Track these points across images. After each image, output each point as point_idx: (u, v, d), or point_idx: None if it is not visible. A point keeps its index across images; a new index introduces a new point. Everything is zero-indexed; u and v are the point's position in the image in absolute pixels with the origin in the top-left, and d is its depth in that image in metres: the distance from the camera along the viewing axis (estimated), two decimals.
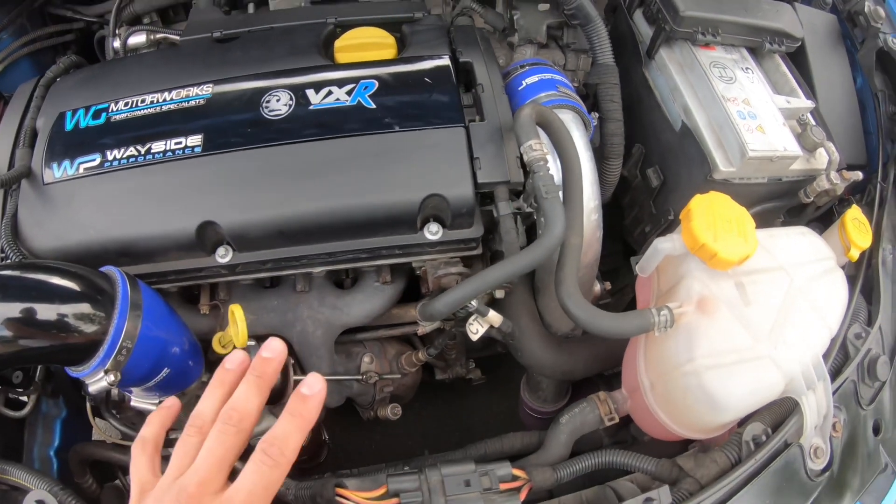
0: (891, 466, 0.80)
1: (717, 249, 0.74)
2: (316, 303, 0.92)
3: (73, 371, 0.73)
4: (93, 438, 0.97)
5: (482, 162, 0.80)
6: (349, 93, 0.83)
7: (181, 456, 0.53)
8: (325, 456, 1.20)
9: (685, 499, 0.71)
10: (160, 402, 0.88)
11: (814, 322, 0.80)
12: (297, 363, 0.93)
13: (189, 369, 0.85)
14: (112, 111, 0.88)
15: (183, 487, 0.50)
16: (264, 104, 0.83)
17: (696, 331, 0.75)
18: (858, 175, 0.88)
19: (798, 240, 0.85)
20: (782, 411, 0.78)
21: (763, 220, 0.99)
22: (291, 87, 0.84)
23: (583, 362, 0.93)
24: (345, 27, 0.92)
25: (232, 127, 0.83)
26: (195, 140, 0.82)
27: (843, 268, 0.93)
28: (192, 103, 0.85)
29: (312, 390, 0.56)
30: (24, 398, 0.96)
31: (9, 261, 0.83)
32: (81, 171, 0.85)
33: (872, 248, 0.85)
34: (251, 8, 1.05)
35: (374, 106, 0.82)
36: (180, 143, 0.83)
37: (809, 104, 0.93)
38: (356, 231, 0.82)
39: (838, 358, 0.81)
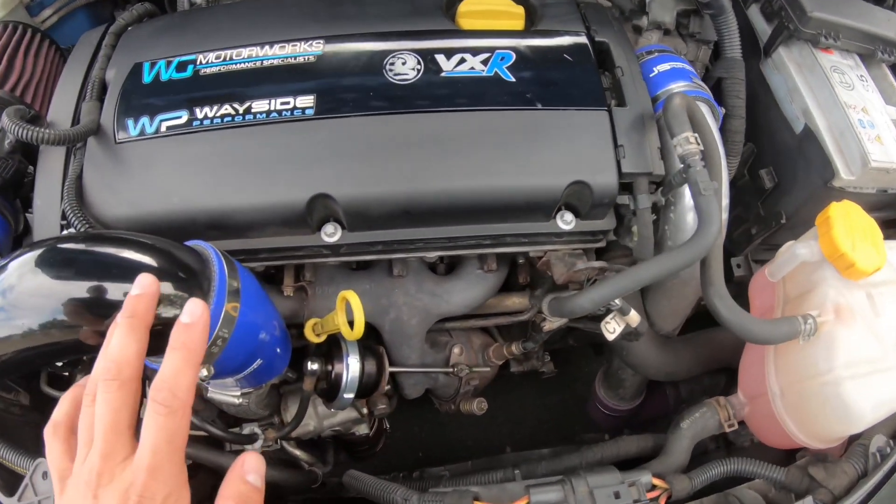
0: None
1: (856, 259, 0.72)
2: (413, 288, 0.85)
3: (153, 361, 0.64)
4: None
5: (626, 150, 0.74)
6: (485, 62, 0.75)
7: (83, 431, 0.48)
8: (382, 444, 1.13)
9: None
10: (242, 395, 0.80)
11: None
12: (386, 351, 0.85)
13: (277, 358, 0.76)
14: (201, 63, 0.77)
15: (91, 467, 0.45)
16: (388, 67, 0.74)
17: (836, 340, 0.73)
18: None
19: None
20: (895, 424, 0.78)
21: None
22: (418, 51, 0.75)
23: (686, 363, 0.91)
24: None
25: (350, 90, 0.74)
26: (306, 101, 0.73)
27: None
28: (301, 60, 0.75)
29: (194, 317, 0.50)
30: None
31: (72, 229, 0.71)
32: (164, 129, 0.74)
33: None
34: None
35: (513, 79, 0.75)
36: (287, 103, 0.73)
37: None
38: (487, 215, 0.75)
39: None
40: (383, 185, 0.71)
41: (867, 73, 0.95)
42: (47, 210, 0.75)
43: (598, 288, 0.70)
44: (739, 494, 0.76)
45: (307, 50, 0.76)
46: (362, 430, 0.98)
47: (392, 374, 0.89)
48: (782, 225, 0.93)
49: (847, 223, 0.75)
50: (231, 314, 0.62)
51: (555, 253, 0.80)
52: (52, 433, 0.50)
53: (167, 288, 0.56)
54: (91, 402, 0.48)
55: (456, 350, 0.92)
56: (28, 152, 0.78)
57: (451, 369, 0.91)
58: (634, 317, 0.73)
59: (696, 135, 0.72)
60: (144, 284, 0.52)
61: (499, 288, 0.88)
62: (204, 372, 0.62)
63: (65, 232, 0.74)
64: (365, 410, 0.95)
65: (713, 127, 0.81)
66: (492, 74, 0.75)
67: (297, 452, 0.96)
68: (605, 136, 0.74)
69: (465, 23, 0.80)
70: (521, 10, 0.82)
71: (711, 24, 0.90)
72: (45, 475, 0.65)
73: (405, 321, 0.85)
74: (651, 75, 0.84)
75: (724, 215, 0.82)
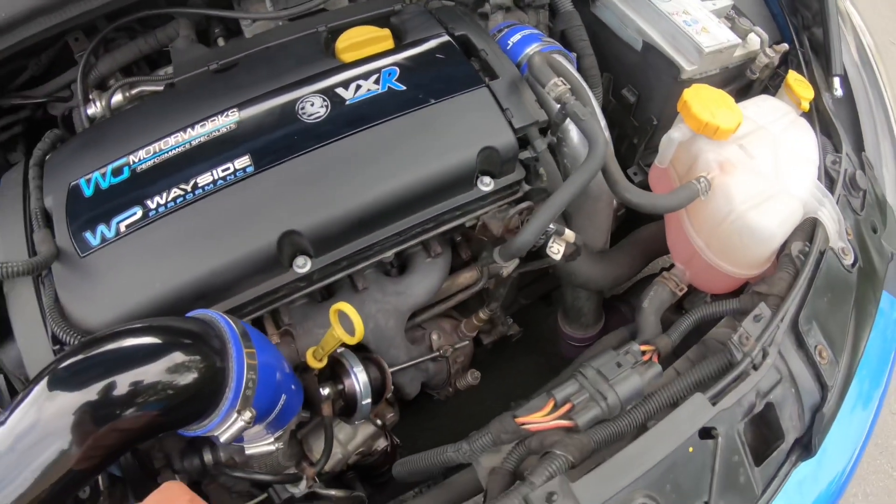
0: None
1: (719, 123, 0.91)
2: (379, 295, 0.95)
3: (194, 430, 0.68)
4: None
5: (512, 111, 0.90)
6: (377, 82, 0.89)
7: None
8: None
9: (775, 311, 0.82)
10: (275, 439, 0.84)
11: (799, 159, 1.00)
12: None
13: (294, 394, 0.83)
14: (134, 163, 0.84)
15: None
16: (300, 112, 0.86)
17: (728, 187, 0.91)
18: (785, 46, 1.11)
19: (763, 104, 1.06)
20: (807, 229, 0.93)
21: None
22: (320, 91, 0.88)
23: (626, 265, 1.06)
24: (336, 32, 0.97)
25: (276, 140, 0.84)
26: (243, 162, 0.82)
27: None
28: (224, 130, 0.85)
29: None
30: None
31: (69, 345, 0.75)
32: (123, 229, 0.80)
33: (816, 97, 1.08)
34: (221, 41, 1.05)
35: (404, 87, 0.89)
36: (228, 168, 0.82)
37: (730, 2, 1.16)
38: (421, 202, 0.87)
39: (826, 182, 1.01)
40: (333, 207, 0.82)
41: None
42: (34, 343, 0.78)
43: (533, 220, 0.83)
44: (715, 335, 0.89)
45: (225, 121, 0.86)
46: (381, 443, 1.04)
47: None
48: (656, 126, 1.13)
49: (701, 100, 0.93)
50: (252, 358, 0.69)
51: (486, 215, 0.93)
52: None
53: (178, 356, 0.63)
54: None
55: (434, 336, 1.03)
56: None
57: (436, 353, 1.01)
58: (570, 234, 0.88)
59: (562, 78, 0.89)
60: None
61: (448, 270, 1.00)
62: (247, 415, 0.68)
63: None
64: (379, 422, 1.02)
65: (571, 69, 0.99)
66: (385, 90, 0.88)
67: (332, 492, 0.99)
68: (491, 105, 0.90)
69: (346, 56, 0.94)
70: (386, 32, 0.97)
71: None
72: None
73: (383, 326, 0.95)
74: (508, 47, 1.01)
75: (606, 133, 1.00)
